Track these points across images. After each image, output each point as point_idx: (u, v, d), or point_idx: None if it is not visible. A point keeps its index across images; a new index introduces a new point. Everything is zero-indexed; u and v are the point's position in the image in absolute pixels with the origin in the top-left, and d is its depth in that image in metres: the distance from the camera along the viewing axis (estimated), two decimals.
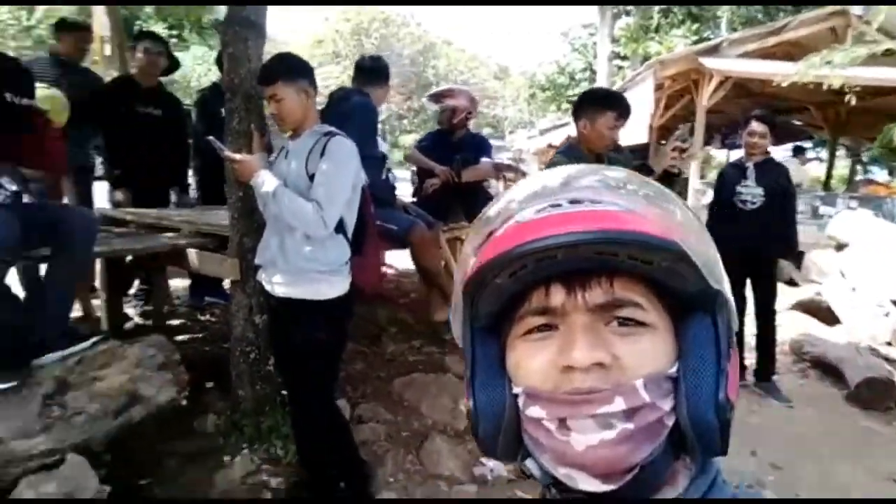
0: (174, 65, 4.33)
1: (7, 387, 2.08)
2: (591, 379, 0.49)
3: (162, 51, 4.06)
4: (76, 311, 3.70)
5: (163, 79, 4.28)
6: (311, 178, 2.24)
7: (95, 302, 3.75)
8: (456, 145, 4.22)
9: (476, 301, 0.54)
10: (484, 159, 4.20)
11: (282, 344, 2.40)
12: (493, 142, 5.13)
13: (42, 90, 3.52)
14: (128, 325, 3.79)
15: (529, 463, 0.55)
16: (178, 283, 4.92)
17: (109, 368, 2.27)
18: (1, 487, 1.98)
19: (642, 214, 0.52)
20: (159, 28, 12.45)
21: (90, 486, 2.06)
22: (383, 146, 3.87)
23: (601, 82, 13.32)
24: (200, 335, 3.96)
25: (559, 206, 0.53)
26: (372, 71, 3.41)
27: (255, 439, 2.74)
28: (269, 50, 2.87)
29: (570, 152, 2.95)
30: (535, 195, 0.56)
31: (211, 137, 2.40)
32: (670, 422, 0.51)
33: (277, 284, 2.27)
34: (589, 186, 0.55)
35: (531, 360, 0.52)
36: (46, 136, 2.48)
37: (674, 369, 0.52)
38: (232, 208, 2.90)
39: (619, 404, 0.48)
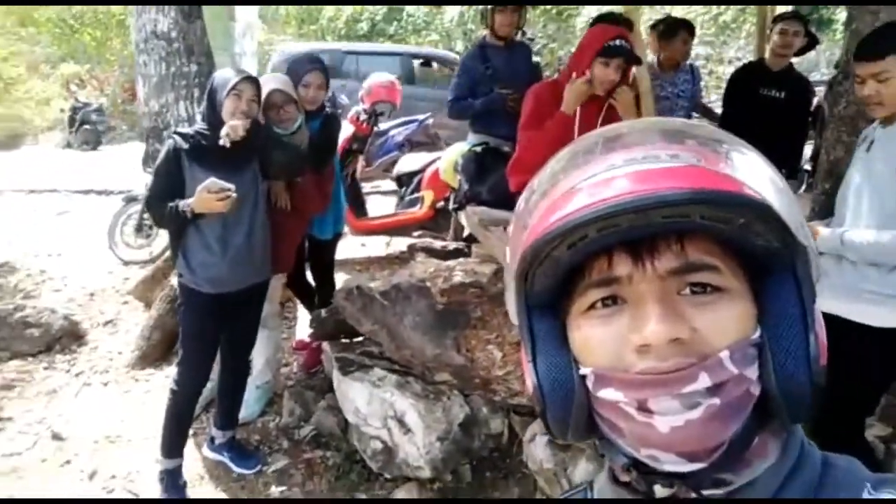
0: (812, 42, 4.08)
1: None
2: (671, 356, 0.44)
3: (799, 30, 3.89)
4: None
5: None
6: None
7: None
8: None
9: (530, 277, 0.49)
10: None
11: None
12: None
13: None
14: None
15: (603, 444, 0.52)
16: None
17: None
18: None
19: (712, 168, 0.45)
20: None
21: None
22: None
23: None
24: None
25: (617, 166, 0.46)
26: None
27: None
28: None
29: None
30: (585, 159, 0.49)
31: None
32: (756, 391, 0.46)
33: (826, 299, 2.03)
34: (645, 143, 0.48)
35: (598, 338, 0.47)
36: None
37: (756, 334, 0.46)
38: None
39: (704, 381, 0.44)
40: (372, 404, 2.70)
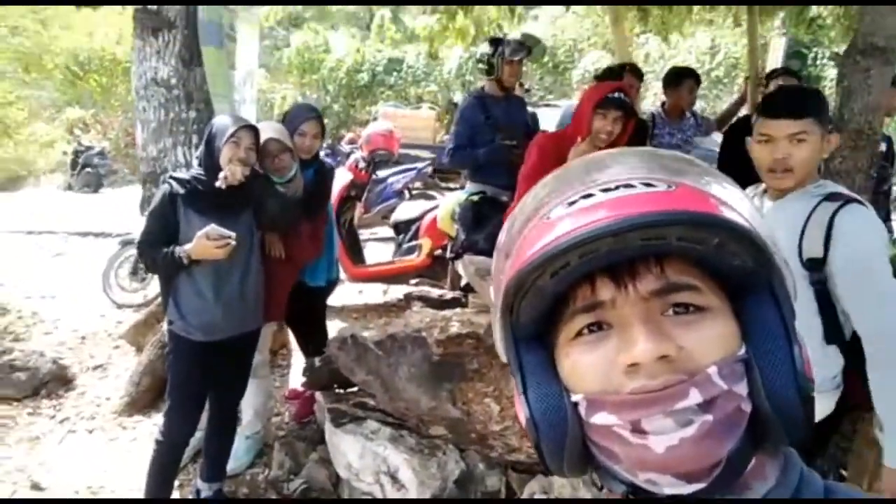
0: None
1: None
2: (660, 373, 0.45)
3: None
4: None
5: None
6: (808, 265, 1.64)
7: None
8: None
9: (516, 309, 0.50)
10: None
11: None
12: None
13: None
14: None
15: (601, 474, 0.51)
16: None
17: None
18: None
19: (684, 192, 0.47)
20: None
21: None
22: None
23: None
24: None
25: (591, 195, 0.47)
26: None
27: None
28: None
29: None
30: (561, 189, 0.51)
31: None
32: (748, 408, 0.47)
33: None
34: (625, 172, 0.49)
35: (587, 364, 0.48)
36: None
37: (742, 351, 0.47)
38: None
39: (694, 397, 0.44)
40: (364, 458, 2.62)
